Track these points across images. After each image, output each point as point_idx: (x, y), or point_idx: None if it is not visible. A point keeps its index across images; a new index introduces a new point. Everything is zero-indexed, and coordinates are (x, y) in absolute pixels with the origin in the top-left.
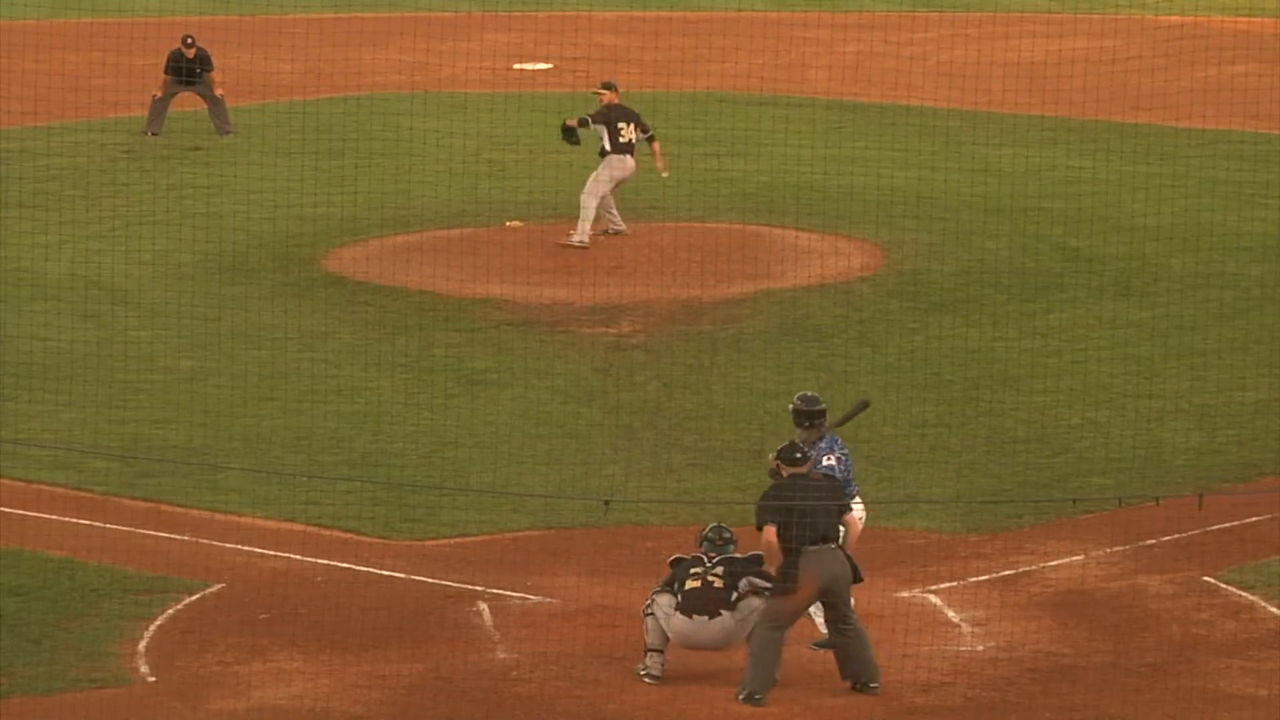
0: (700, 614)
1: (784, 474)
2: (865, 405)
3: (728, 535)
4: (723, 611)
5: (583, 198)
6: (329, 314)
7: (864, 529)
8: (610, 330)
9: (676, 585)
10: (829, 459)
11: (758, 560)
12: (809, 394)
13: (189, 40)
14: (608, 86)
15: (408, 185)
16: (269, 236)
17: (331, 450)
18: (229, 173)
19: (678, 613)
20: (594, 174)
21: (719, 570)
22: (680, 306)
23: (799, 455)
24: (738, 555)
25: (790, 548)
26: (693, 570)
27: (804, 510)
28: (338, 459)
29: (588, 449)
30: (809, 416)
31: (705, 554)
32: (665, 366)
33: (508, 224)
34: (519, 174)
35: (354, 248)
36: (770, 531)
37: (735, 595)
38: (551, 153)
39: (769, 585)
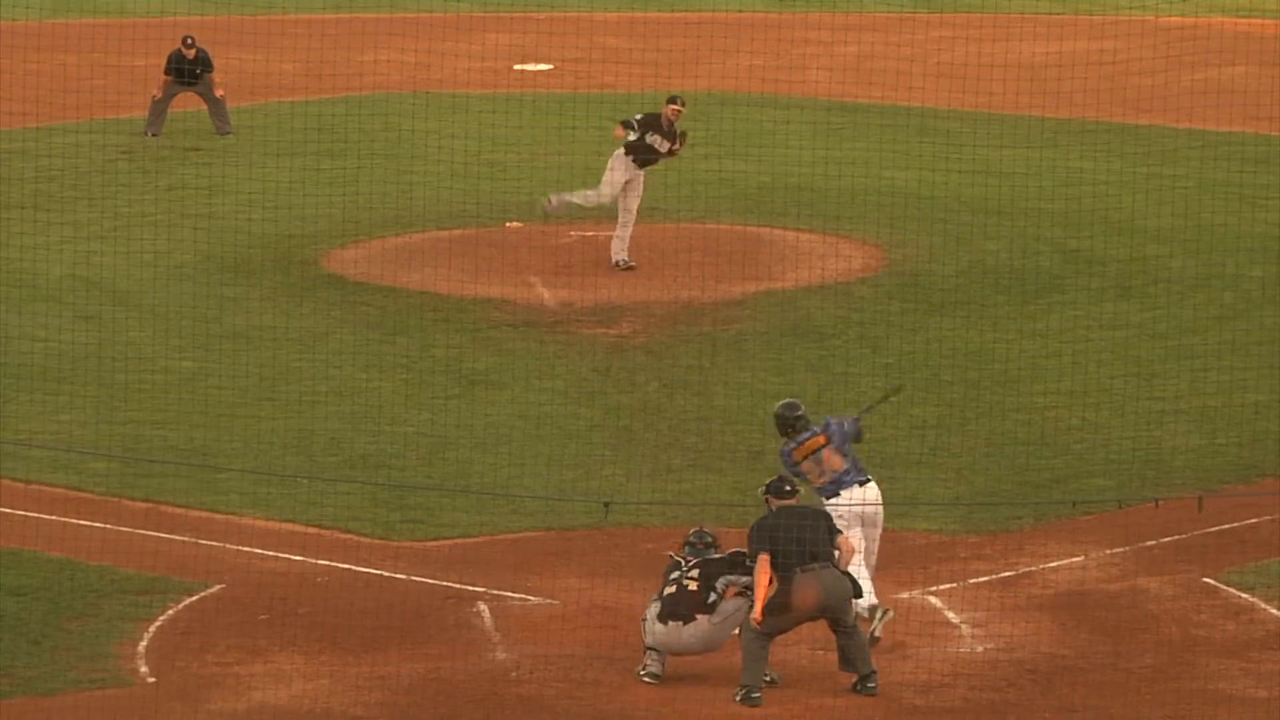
0: (674, 620)
1: (772, 506)
2: (897, 390)
3: (709, 539)
4: (698, 616)
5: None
6: (329, 315)
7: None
8: (610, 331)
9: (658, 592)
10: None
11: (738, 560)
12: (790, 401)
13: (189, 41)
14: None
15: (408, 186)
16: (269, 237)
17: (331, 451)
18: (229, 173)
19: (656, 620)
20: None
21: (694, 574)
22: (680, 307)
23: (788, 489)
24: (716, 556)
25: (784, 574)
26: (670, 575)
27: (795, 535)
28: (337, 460)
29: (587, 450)
30: (790, 423)
31: (684, 557)
32: (665, 367)
33: (508, 225)
34: (519, 175)
35: (354, 248)
36: (764, 560)
37: (713, 597)
38: (552, 154)
39: (748, 584)
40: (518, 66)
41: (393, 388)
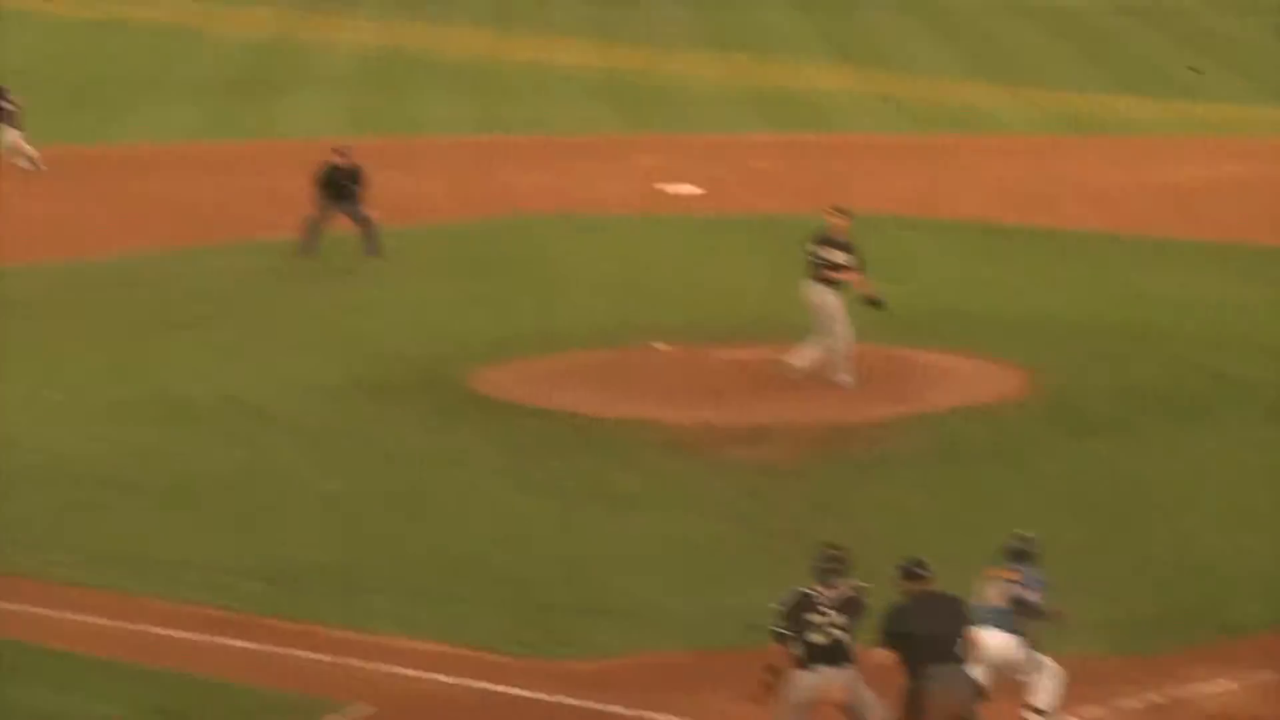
0: (827, 664)
1: (903, 589)
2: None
3: (837, 559)
4: (847, 665)
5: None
6: (474, 434)
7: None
8: (756, 452)
9: (796, 631)
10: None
11: (863, 594)
12: (1029, 537)
13: (342, 150)
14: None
15: (553, 306)
16: (415, 357)
17: (476, 571)
18: (376, 293)
19: (804, 670)
20: (837, 306)
21: (840, 621)
22: (826, 428)
23: (919, 571)
24: (850, 594)
25: (914, 671)
26: (809, 618)
27: (930, 631)
28: (483, 579)
29: (732, 570)
30: (1014, 554)
31: (816, 589)
32: (811, 489)
33: (653, 346)
34: (665, 296)
35: (500, 368)
36: (890, 656)
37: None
38: (697, 274)
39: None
40: (665, 187)
41: (538, 508)
